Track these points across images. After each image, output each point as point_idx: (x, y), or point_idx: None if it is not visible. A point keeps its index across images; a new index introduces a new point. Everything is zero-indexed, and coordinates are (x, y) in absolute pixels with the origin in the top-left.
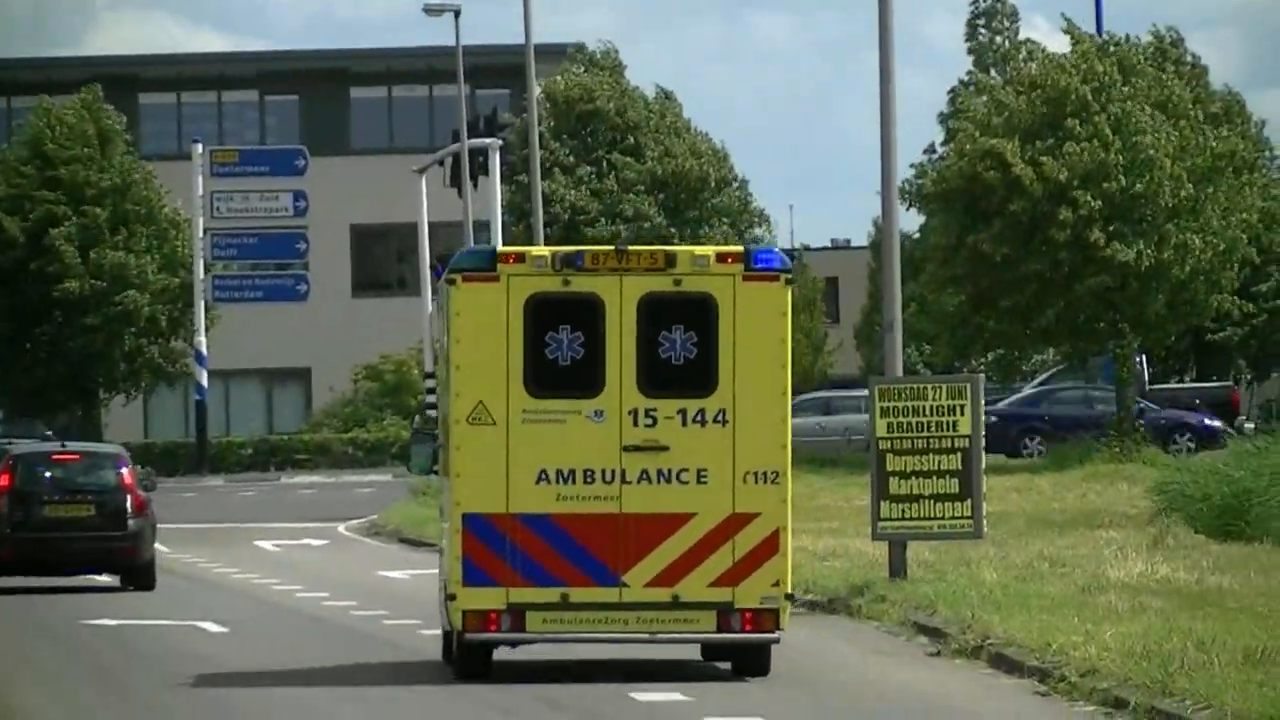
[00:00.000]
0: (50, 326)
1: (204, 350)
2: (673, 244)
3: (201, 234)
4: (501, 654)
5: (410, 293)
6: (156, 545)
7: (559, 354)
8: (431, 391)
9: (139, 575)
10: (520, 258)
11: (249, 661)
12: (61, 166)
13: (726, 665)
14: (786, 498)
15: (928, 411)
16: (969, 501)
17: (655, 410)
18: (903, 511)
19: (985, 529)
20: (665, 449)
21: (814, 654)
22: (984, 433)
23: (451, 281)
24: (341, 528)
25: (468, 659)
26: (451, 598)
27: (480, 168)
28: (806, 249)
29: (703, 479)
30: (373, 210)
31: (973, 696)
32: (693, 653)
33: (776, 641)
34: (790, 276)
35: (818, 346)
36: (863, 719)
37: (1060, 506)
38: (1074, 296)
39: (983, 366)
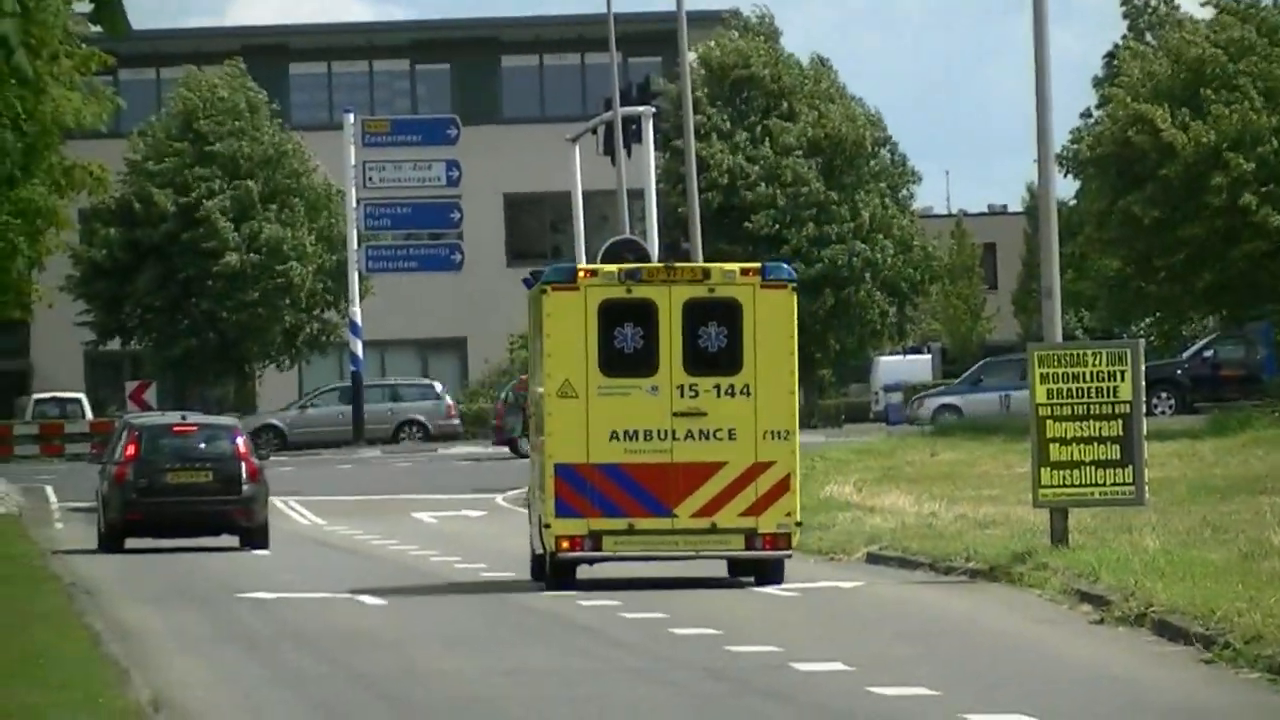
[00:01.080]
0: (207, 300)
1: (358, 321)
2: (831, 209)
3: (354, 204)
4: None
5: (564, 261)
6: (313, 518)
7: (624, 344)
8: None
9: (254, 536)
10: (594, 273)
11: (407, 634)
12: (213, 139)
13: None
14: (795, 449)
15: (1088, 378)
16: (1130, 468)
17: (696, 386)
18: (1063, 478)
19: (1147, 495)
20: (704, 414)
21: (975, 623)
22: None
23: (544, 290)
24: (499, 498)
25: (558, 572)
26: (547, 526)
27: (633, 135)
28: (964, 214)
29: (733, 436)
30: (525, 179)
31: (1137, 665)
32: (723, 569)
33: (789, 557)
34: (795, 285)
35: (975, 313)
36: (1028, 689)
37: (1222, 472)
38: (1229, 261)
39: (1142, 332)
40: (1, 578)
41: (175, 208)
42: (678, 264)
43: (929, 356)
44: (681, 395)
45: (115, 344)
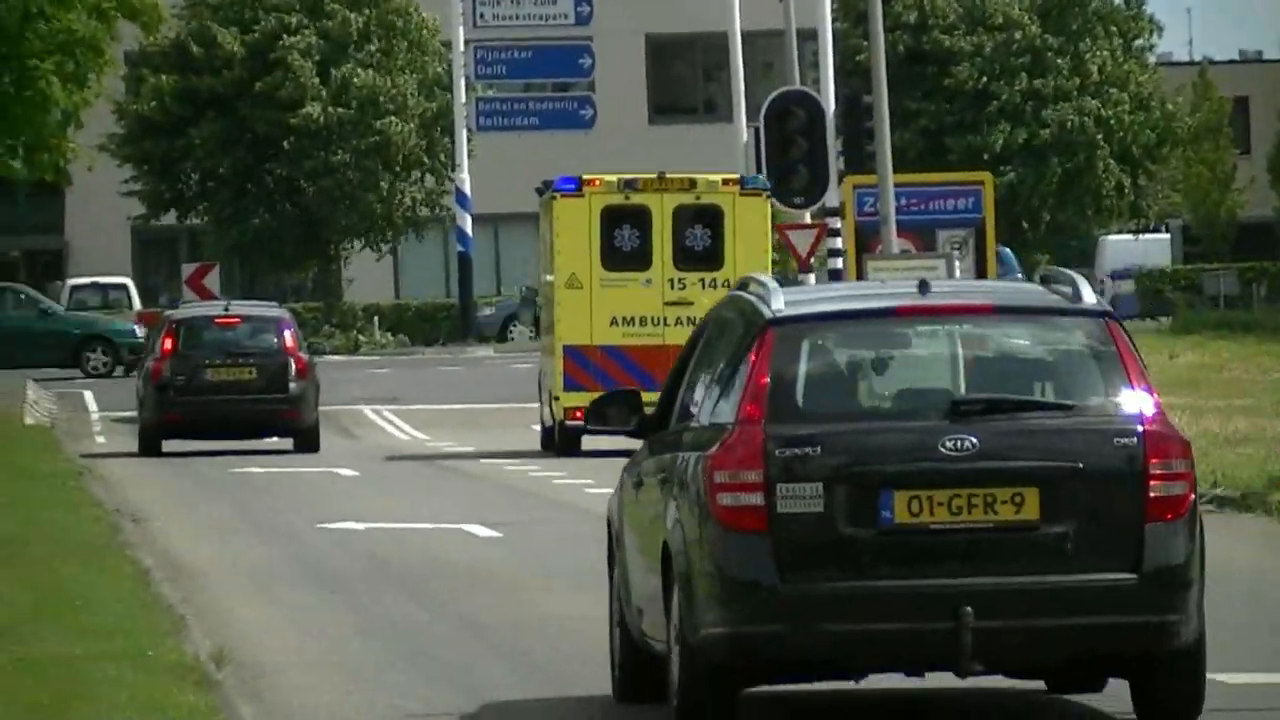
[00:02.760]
0: (282, 163)
1: (467, 190)
2: (1048, 59)
3: (462, 47)
4: None
5: (719, 117)
6: (412, 431)
7: (623, 243)
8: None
9: (304, 438)
10: (597, 183)
11: (526, 572)
12: None
13: None
14: None
15: None
16: None
17: (684, 279)
18: None
19: None
20: (691, 304)
21: (1227, 563)
22: None
23: (553, 197)
24: None
25: (565, 440)
26: (556, 399)
27: None
28: (1210, 63)
29: None
30: (672, 17)
31: None
32: None
33: None
34: (769, 194)
35: (1224, 183)
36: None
37: None
38: None
39: None
40: (30, 500)
41: (243, 48)
42: (668, 175)
43: (1167, 236)
44: (672, 287)
45: (169, 218)
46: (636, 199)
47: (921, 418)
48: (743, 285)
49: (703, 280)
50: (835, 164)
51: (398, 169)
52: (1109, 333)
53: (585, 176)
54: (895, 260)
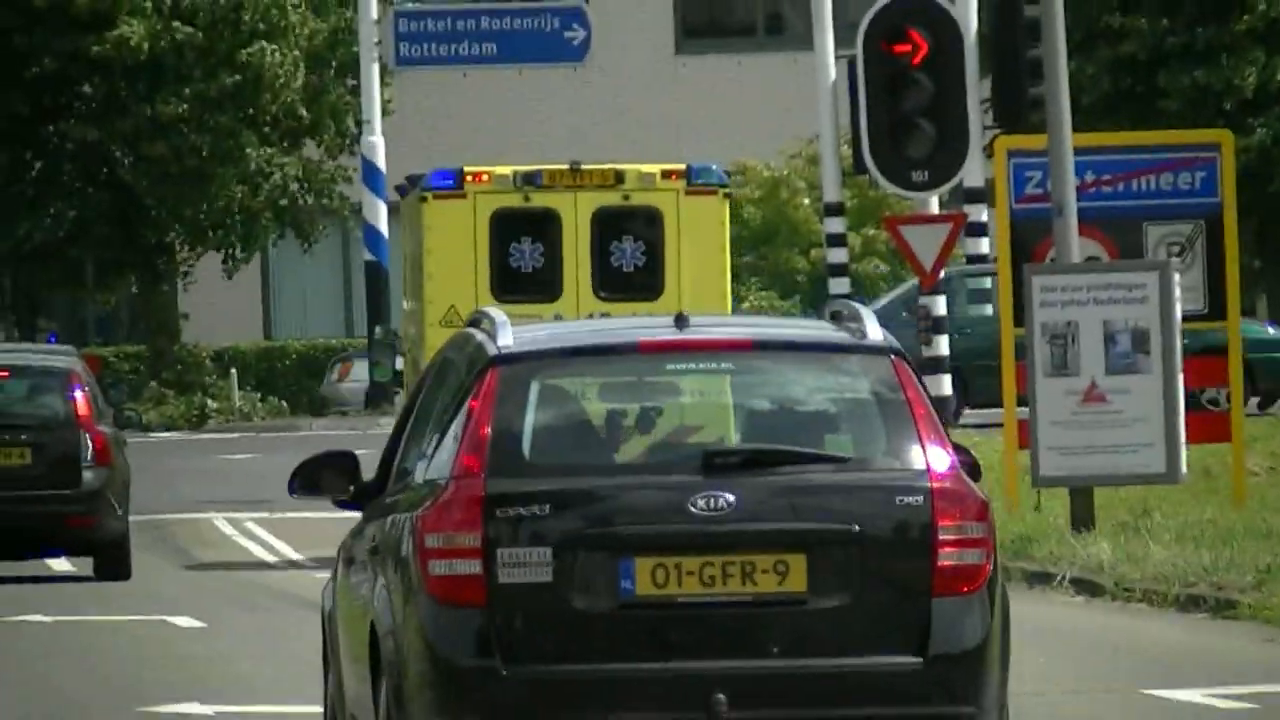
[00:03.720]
0: (82, 118)
1: (380, 163)
2: None
3: None
4: None
5: (788, 43)
6: (288, 550)
7: (522, 263)
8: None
9: (106, 557)
10: (484, 177)
11: None
12: None
13: None
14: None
15: None
16: None
17: (609, 314)
18: None
19: None
20: None
21: None
22: None
23: (423, 199)
24: None
25: None
26: None
27: None
28: None
29: None
30: None
31: None
32: None
33: None
34: (727, 190)
35: None
36: None
37: None
38: None
39: None
40: None
41: None
42: (585, 166)
43: None
44: None
45: None
46: (540, 200)
47: (670, 472)
48: (473, 322)
49: (634, 315)
50: (978, 118)
51: (268, 128)
52: (896, 375)
53: (468, 169)
54: (1076, 274)
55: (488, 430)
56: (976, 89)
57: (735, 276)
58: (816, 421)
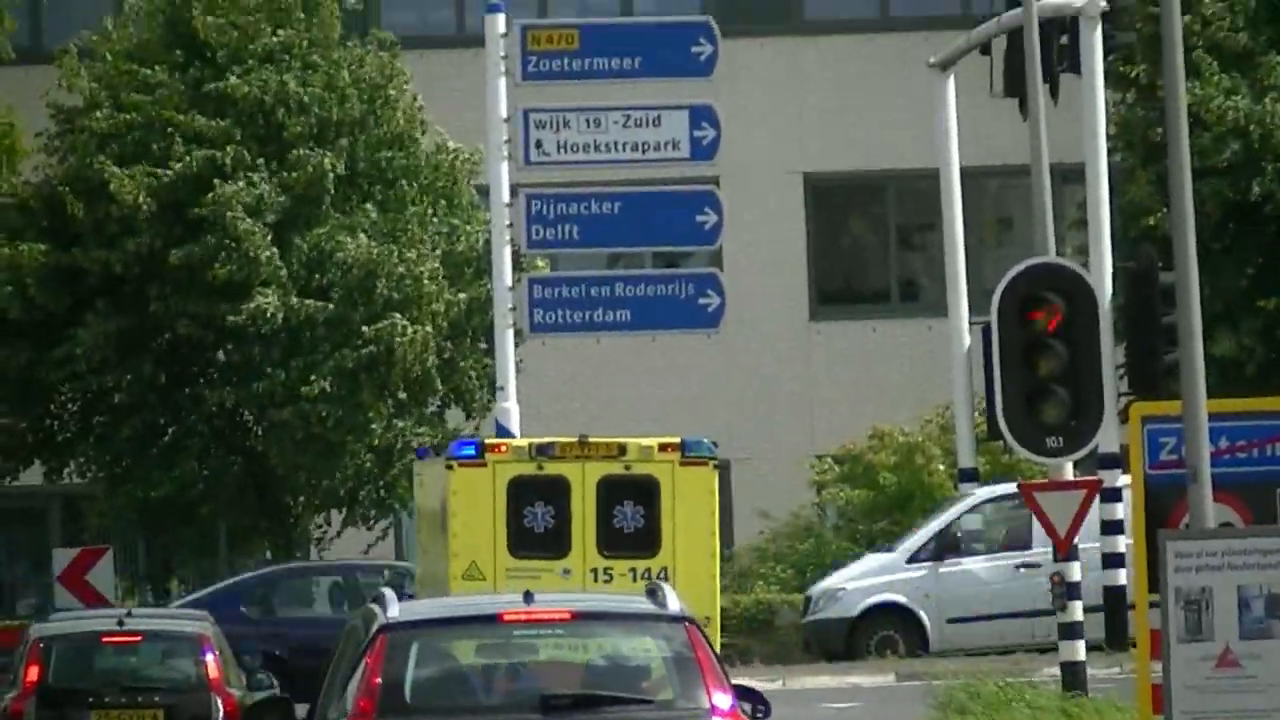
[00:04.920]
0: (215, 384)
1: (514, 428)
2: None
3: (505, 196)
4: None
5: (924, 308)
6: None
7: (534, 524)
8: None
9: None
10: (503, 448)
11: None
12: (227, 61)
13: None
14: (716, 637)
15: None
16: None
17: (611, 569)
18: None
19: None
20: None
21: None
22: None
23: (449, 466)
24: None
25: None
26: None
27: (1062, 57)
28: None
29: None
30: (845, 148)
31: None
32: None
33: None
34: (716, 462)
35: None
36: None
37: None
38: None
39: None
40: None
41: (152, 200)
42: (591, 439)
43: None
44: (595, 579)
45: (32, 475)
46: (552, 468)
47: (516, 711)
48: (375, 599)
49: (633, 570)
50: (1113, 384)
51: (401, 396)
52: (689, 637)
53: (488, 440)
54: (1211, 540)
55: (378, 680)
56: (1112, 355)
57: (871, 542)
58: (629, 672)
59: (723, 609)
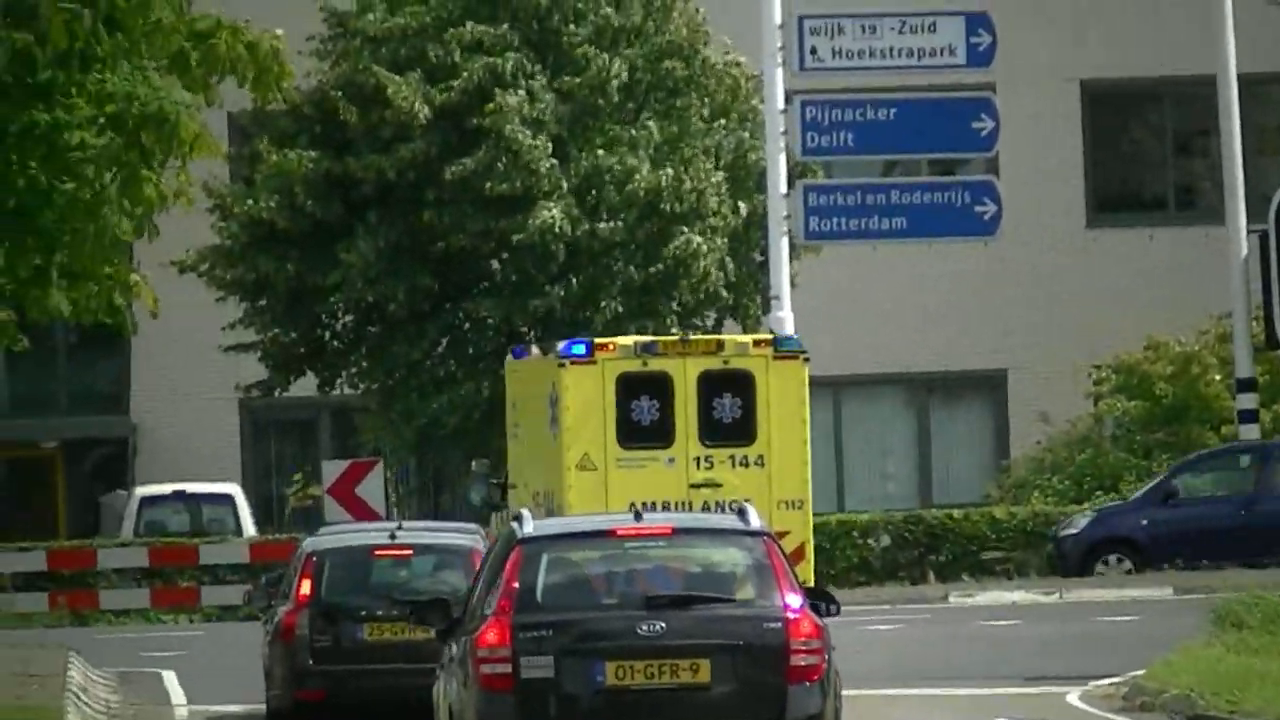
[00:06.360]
0: (495, 300)
1: (791, 333)
2: None
3: (780, 103)
4: None
5: (1199, 216)
6: None
7: (641, 417)
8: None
9: None
10: (611, 347)
11: None
12: None
13: None
14: (808, 520)
15: None
16: None
17: (712, 457)
18: None
19: None
20: (720, 485)
21: None
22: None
23: (562, 365)
24: (1073, 695)
25: None
26: None
27: None
28: None
29: None
30: (1123, 54)
31: None
32: None
33: None
34: (807, 356)
35: None
36: None
37: None
38: None
39: None
40: None
41: (430, 110)
42: (693, 337)
43: None
44: (698, 466)
45: (304, 386)
46: (656, 365)
47: (626, 608)
48: (516, 518)
49: (733, 458)
50: None
51: (687, 312)
52: (766, 549)
53: (598, 340)
54: None
55: (515, 584)
56: None
57: (1148, 454)
58: (717, 577)
59: (998, 520)
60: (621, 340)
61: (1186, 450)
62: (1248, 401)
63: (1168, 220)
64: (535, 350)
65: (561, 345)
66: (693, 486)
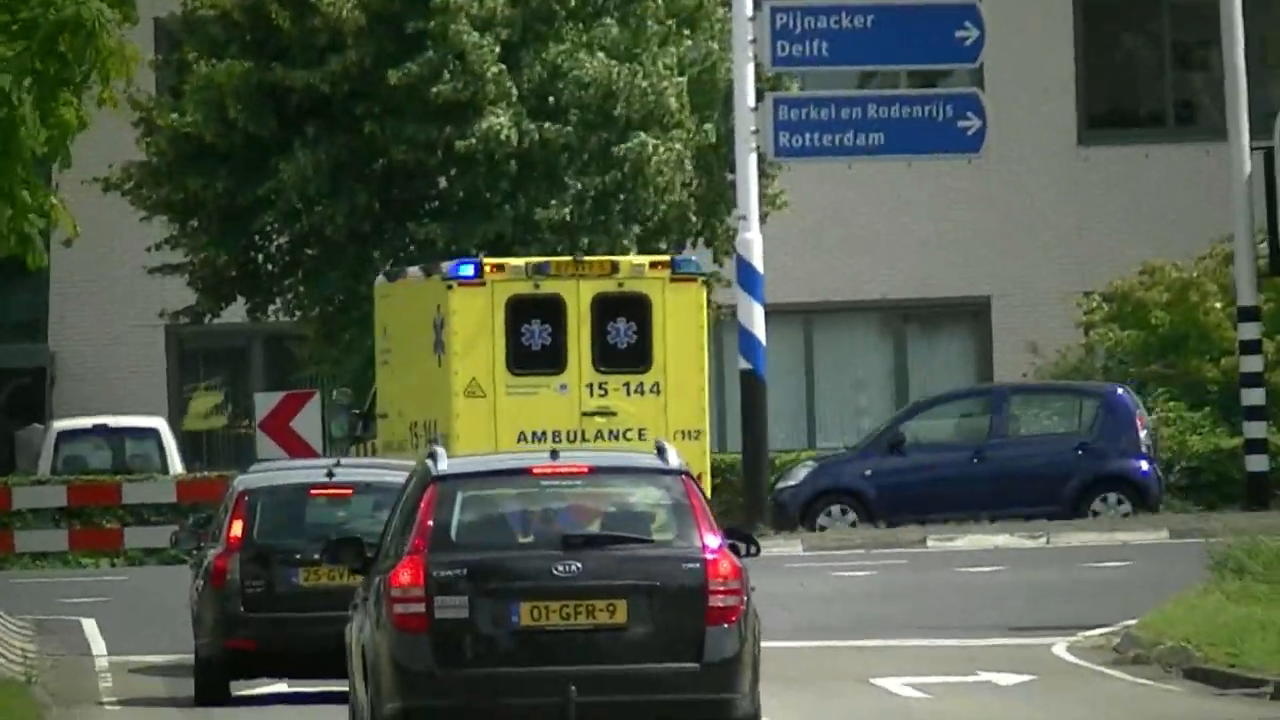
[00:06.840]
0: (441, 218)
1: (757, 263)
2: None
3: (750, 9)
4: None
5: (1200, 133)
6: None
7: (532, 341)
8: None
9: None
10: (501, 268)
11: None
12: None
13: None
14: (705, 450)
15: None
16: None
17: (606, 384)
18: None
19: None
20: (614, 414)
21: None
22: None
23: (449, 287)
24: (1060, 646)
25: None
26: None
27: None
28: None
29: (642, 436)
30: None
31: None
32: None
33: None
34: (705, 279)
35: None
36: None
37: None
38: None
39: None
40: None
41: (362, 13)
42: (586, 258)
43: None
44: (591, 394)
45: (235, 312)
46: (548, 287)
47: (541, 548)
48: (429, 454)
49: (627, 385)
50: None
51: (650, 224)
52: (685, 488)
53: (487, 261)
54: None
55: (430, 522)
56: None
57: (1142, 386)
58: (635, 516)
59: None
60: (512, 260)
61: (1185, 383)
62: (1250, 331)
63: (1165, 137)
64: (414, 271)
65: (448, 266)
66: (585, 415)
